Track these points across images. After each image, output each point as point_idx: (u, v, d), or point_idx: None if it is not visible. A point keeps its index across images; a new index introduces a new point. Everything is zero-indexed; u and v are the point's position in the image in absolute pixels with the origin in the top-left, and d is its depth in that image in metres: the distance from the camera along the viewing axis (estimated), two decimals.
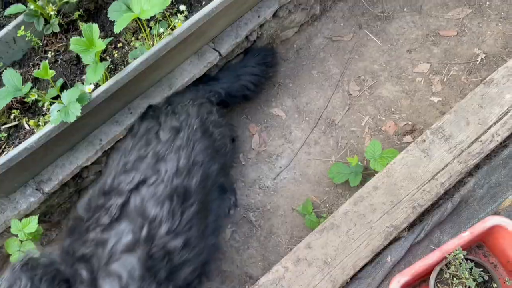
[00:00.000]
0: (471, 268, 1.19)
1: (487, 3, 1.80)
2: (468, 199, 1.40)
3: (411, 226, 1.39)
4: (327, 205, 1.69)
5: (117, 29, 1.09)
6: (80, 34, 1.20)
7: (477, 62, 1.74)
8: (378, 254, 1.36)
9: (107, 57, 1.35)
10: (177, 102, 1.37)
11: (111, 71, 1.33)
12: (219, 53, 1.51)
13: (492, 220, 1.26)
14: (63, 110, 1.15)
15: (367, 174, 1.64)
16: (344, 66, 1.84)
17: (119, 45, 1.35)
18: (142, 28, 1.22)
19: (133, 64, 1.22)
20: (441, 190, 1.38)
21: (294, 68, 1.86)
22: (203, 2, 1.37)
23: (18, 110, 1.31)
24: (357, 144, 1.75)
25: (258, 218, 1.69)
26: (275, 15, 1.61)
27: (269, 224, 1.67)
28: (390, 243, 1.36)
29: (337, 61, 1.85)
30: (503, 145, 1.41)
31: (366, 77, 1.82)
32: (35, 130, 1.26)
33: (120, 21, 1.09)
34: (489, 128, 1.40)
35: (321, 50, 1.87)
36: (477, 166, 1.41)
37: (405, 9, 1.85)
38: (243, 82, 1.59)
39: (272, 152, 1.78)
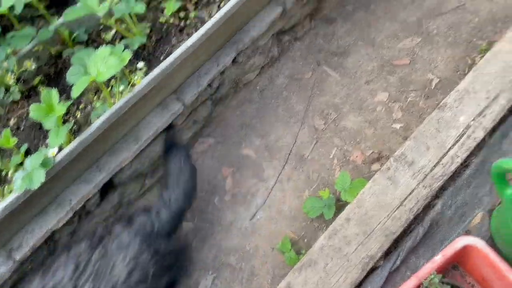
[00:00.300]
0: None
1: (435, 31, 1.90)
2: (438, 221, 1.43)
3: (387, 254, 1.40)
4: (305, 240, 1.70)
5: (74, 93, 1.11)
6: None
7: (432, 87, 1.82)
8: (358, 287, 1.36)
9: (70, 118, 1.37)
10: (114, 259, 1.14)
11: (75, 132, 1.35)
12: (183, 103, 1.55)
13: (462, 241, 1.29)
14: (26, 177, 1.15)
15: (340, 205, 1.66)
16: (308, 102, 1.90)
17: (82, 105, 1.37)
18: (102, 88, 1.25)
19: (96, 124, 1.24)
20: (411, 216, 1.40)
21: (259, 108, 1.91)
22: (161, 57, 1.41)
23: None
24: (328, 176, 1.78)
25: (239, 261, 1.68)
26: (234, 61, 1.66)
27: (250, 266, 1.66)
28: (368, 274, 1.37)
29: (300, 98, 1.91)
30: (464, 165, 1.46)
31: (330, 110, 1.87)
32: (0, 199, 1.25)
33: (78, 85, 1.12)
34: (448, 151, 1.45)
35: (283, 89, 1.93)
36: (442, 188, 1.45)
37: (359, 43, 1.94)
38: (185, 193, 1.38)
39: (247, 192, 1.79)
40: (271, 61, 1.90)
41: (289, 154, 1.83)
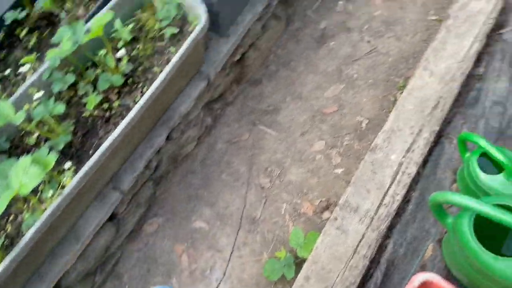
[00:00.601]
0: None
1: (355, 75, 2.02)
2: (394, 261, 1.45)
3: None
4: None
5: None
6: None
7: (363, 128, 1.90)
8: None
9: (1, 233, 1.29)
10: None
11: (8, 246, 1.26)
12: (121, 191, 1.51)
13: (418, 278, 1.30)
14: None
15: (299, 262, 1.64)
16: (250, 163, 1.92)
17: (11, 217, 1.30)
18: (30, 197, 1.20)
19: (27, 236, 1.17)
20: (366, 262, 1.41)
21: (203, 178, 1.90)
22: (90, 152, 1.39)
23: None
24: (283, 234, 1.77)
25: None
26: (168, 138, 1.67)
27: None
28: None
29: (242, 160, 1.93)
30: (405, 201, 1.51)
31: (272, 167, 1.90)
32: None
33: (0, 201, 1.06)
34: (387, 190, 1.49)
35: (224, 154, 1.94)
36: (390, 228, 1.48)
37: (287, 99, 2.02)
38: None
39: (204, 267, 1.74)
40: (206, 130, 1.92)
41: (241, 218, 1.81)
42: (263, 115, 2.00)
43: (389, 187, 1.50)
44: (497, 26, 1.75)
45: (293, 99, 2.01)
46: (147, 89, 1.42)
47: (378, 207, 1.48)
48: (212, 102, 1.88)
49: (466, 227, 1.19)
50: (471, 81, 1.68)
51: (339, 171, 1.84)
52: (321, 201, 1.79)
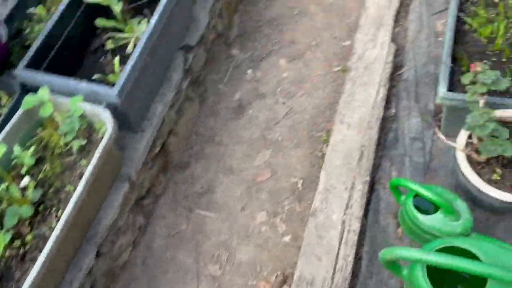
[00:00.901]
0: None
1: (279, 138, 2.03)
2: None
3: None
4: None
5: None
6: None
7: (300, 189, 1.88)
8: None
9: None
10: None
11: None
12: None
13: None
14: None
15: None
16: (195, 253, 1.80)
17: None
18: None
19: None
20: None
21: (148, 282, 1.75)
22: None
23: None
24: None
25: None
26: (98, 254, 1.52)
27: None
28: None
29: (185, 252, 1.81)
30: (357, 258, 1.48)
31: (220, 251, 1.80)
32: None
33: None
34: (338, 253, 1.46)
35: (165, 251, 1.81)
36: None
37: (219, 175, 1.96)
38: None
39: None
40: (140, 230, 1.80)
41: None
42: (198, 198, 1.92)
43: (339, 249, 1.47)
44: (396, 68, 1.86)
45: (225, 174, 1.96)
46: (62, 212, 1.30)
47: (333, 273, 1.43)
48: (140, 199, 1.78)
49: (421, 277, 1.17)
50: (387, 123, 1.74)
51: (287, 238, 1.79)
52: (277, 275, 1.71)
